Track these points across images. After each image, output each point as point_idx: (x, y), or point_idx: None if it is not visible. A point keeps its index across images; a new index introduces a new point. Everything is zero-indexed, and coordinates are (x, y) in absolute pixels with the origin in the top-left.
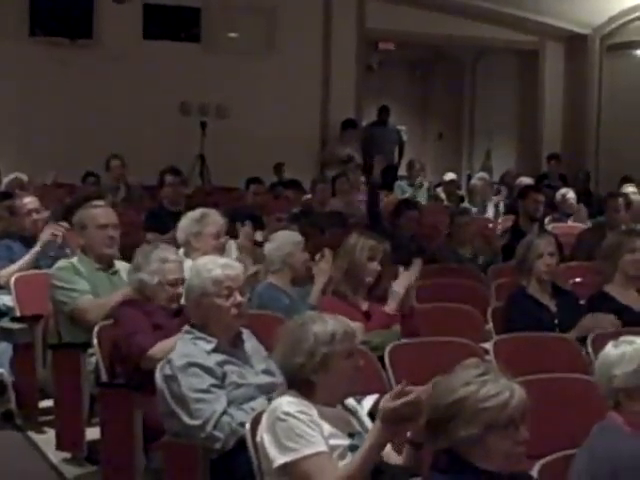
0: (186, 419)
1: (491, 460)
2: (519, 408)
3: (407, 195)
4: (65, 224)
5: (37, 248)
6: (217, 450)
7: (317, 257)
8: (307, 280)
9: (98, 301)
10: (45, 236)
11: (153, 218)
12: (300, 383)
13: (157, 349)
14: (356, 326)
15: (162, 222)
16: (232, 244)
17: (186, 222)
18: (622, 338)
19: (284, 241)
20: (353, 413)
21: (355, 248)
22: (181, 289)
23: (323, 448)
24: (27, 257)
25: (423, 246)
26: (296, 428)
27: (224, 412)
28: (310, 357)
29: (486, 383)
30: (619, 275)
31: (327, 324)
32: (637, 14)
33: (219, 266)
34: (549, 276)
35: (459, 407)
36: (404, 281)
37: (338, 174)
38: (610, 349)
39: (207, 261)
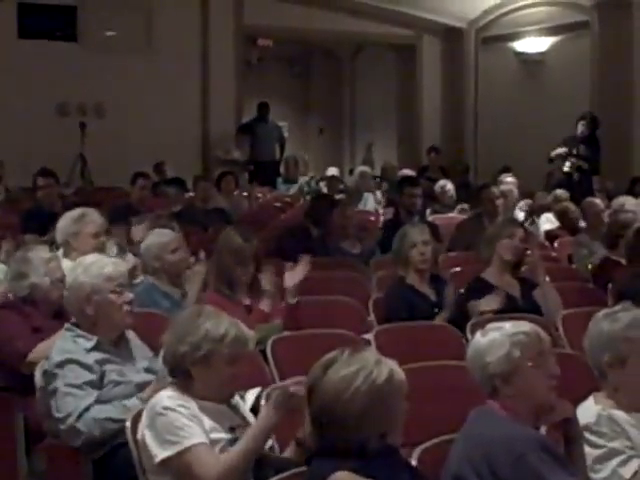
0: (53, 412)
1: None
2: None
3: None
4: None
5: None
6: (84, 445)
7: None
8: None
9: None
10: None
11: (31, 220)
12: (179, 374)
13: (36, 354)
14: (252, 335)
15: (40, 223)
16: (112, 244)
17: (64, 222)
18: (489, 325)
19: (152, 243)
20: (234, 407)
21: (221, 252)
22: (62, 286)
23: (203, 439)
24: None
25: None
26: (176, 421)
27: (89, 407)
28: (194, 349)
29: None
30: (495, 260)
31: (221, 324)
32: (510, 7)
33: (110, 263)
34: (424, 265)
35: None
36: (291, 280)
37: (224, 172)
38: (479, 337)
39: (97, 259)
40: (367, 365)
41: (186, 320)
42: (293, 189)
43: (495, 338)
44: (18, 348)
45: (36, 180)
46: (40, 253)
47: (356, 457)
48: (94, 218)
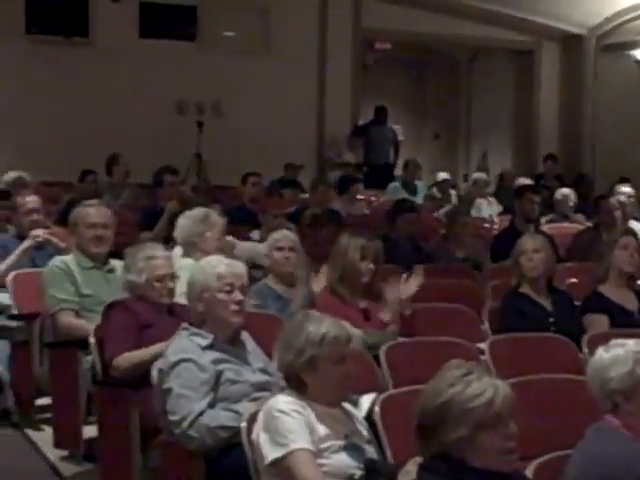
0: (169, 414)
1: (485, 459)
2: (505, 404)
3: (402, 196)
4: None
5: (18, 252)
6: (200, 450)
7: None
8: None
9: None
10: (26, 243)
11: (150, 217)
12: (293, 380)
13: (122, 359)
14: (355, 332)
15: (158, 221)
16: (232, 243)
17: (188, 222)
18: (612, 341)
19: (265, 243)
20: (349, 414)
21: (347, 249)
22: (171, 284)
23: (308, 446)
24: (12, 258)
25: (420, 246)
26: (287, 424)
27: (202, 412)
28: (298, 356)
29: (470, 383)
30: (612, 274)
31: (321, 325)
32: (632, 15)
33: (224, 263)
34: (534, 273)
35: (446, 409)
36: (406, 291)
37: (347, 177)
38: (602, 353)
39: (212, 259)
40: (490, 388)
41: (290, 328)
42: (419, 195)
43: (619, 354)
44: (109, 349)
45: (161, 177)
46: (147, 251)
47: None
48: (217, 219)
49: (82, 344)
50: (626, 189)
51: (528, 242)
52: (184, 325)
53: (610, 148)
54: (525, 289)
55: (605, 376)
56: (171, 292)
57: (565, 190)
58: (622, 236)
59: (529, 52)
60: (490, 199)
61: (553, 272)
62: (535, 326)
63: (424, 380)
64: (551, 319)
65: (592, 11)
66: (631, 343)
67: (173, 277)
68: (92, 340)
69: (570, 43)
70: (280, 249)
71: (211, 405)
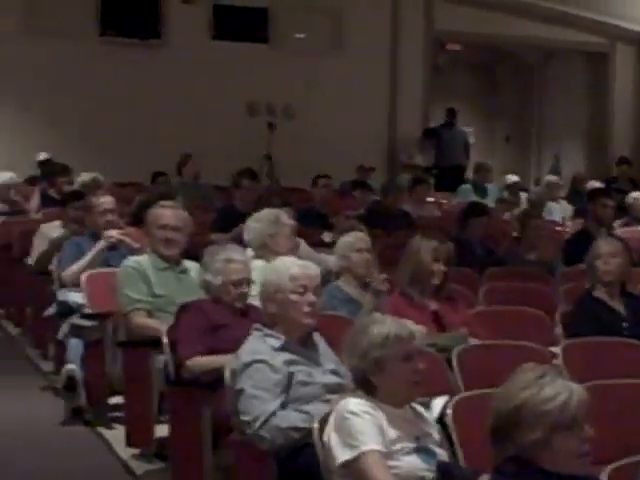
0: (240, 414)
1: (560, 462)
2: (580, 407)
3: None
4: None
5: (92, 252)
6: (272, 450)
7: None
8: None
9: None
10: (100, 244)
11: (224, 218)
12: (362, 383)
13: (195, 363)
14: (417, 329)
15: (233, 223)
16: (303, 244)
17: (260, 224)
18: None
19: (341, 242)
20: (420, 416)
21: (419, 250)
22: (246, 289)
23: (379, 447)
24: (87, 258)
25: (492, 249)
26: (358, 425)
27: (274, 413)
28: (363, 359)
29: (544, 386)
30: None
31: (383, 326)
32: None
33: (297, 265)
34: (610, 277)
35: (520, 412)
36: None
37: (418, 179)
38: None
39: (286, 260)
40: (564, 391)
41: (354, 331)
42: (490, 198)
43: None
44: (181, 350)
45: (240, 179)
46: (226, 253)
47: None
48: (287, 220)
49: (155, 344)
50: None
51: (605, 246)
52: (256, 326)
53: None
54: (599, 293)
55: None
56: (245, 296)
57: (636, 193)
58: None
59: (603, 54)
60: (562, 202)
61: (628, 277)
62: (608, 331)
63: (496, 383)
64: (625, 324)
65: None
66: None
67: (249, 282)
68: (165, 340)
69: None
70: (359, 250)
71: (283, 406)
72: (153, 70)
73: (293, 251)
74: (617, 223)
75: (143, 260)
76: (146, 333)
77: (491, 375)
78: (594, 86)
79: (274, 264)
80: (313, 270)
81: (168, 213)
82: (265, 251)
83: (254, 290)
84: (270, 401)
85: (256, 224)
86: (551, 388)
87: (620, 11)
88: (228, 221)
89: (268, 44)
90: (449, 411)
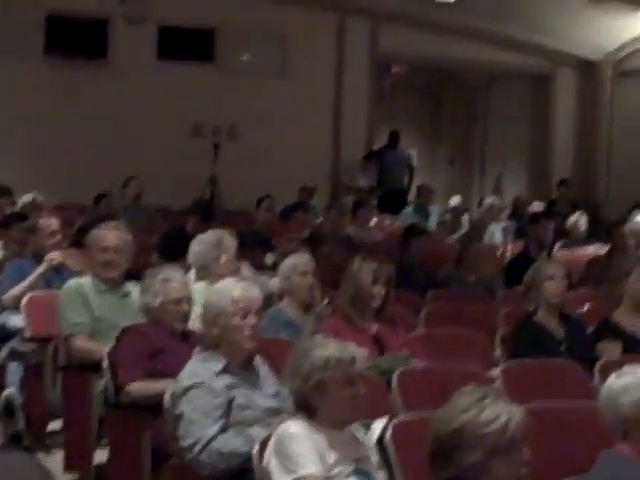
0: (180, 438)
1: None
2: (519, 429)
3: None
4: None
5: (35, 274)
6: (212, 475)
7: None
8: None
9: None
10: (42, 267)
11: (173, 241)
12: (303, 406)
13: (135, 387)
14: (361, 353)
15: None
16: (244, 266)
17: (203, 247)
18: (625, 368)
19: (284, 264)
20: (359, 440)
21: (359, 272)
22: (186, 307)
23: (317, 471)
24: (28, 280)
25: (433, 272)
26: (297, 449)
27: (214, 437)
28: (305, 381)
29: (484, 408)
30: (626, 301)
31: (326, 349)
32: None
33: (239, 287)
34: (558, 299)
35: (460, 435)
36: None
37: (360, 202)
38: (614, 380)
39: (228, 282)
40: (504, 413)
41: (296, 354)
42: (433, 221)
43: (630, 382)
44: (121, 375)
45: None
46: (164, 274)
47: None
48: (231, 243)
49: (95, 367)
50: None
51: (555, 268)
52: (197, 349)
53: (625, 174)
54: (540, 316)
55: (617, 403)
56: (185, 316)
57: (576, 216)
58: (637, 264)
59: (545, 78)
60: (504, 224)
61: (566, 299)
62: (548, 353)
63: (436, 406)
64: (563, 346)
65: (609, 37)
66: None
67: (189, 301)
68: (105, 364)
69: (586, 69)
70: (302, 273)
71: (223, 430)
72: (98, 89)
73: (235, 273)
74: (557, 245)
75: (84, 282)
76: (87, 356)
77: (431, 397)
78: (536, 109)
79: (216, 287)
80: (255, 293)
81: (109, 235)
82: (208, 273)
83: (195, 313)
84: (210, 425)
85: (199, 246)
86: (491, 410)
87: (562, 34)
88: (177, 244)
89: (214, 65)
90: (389, 433)
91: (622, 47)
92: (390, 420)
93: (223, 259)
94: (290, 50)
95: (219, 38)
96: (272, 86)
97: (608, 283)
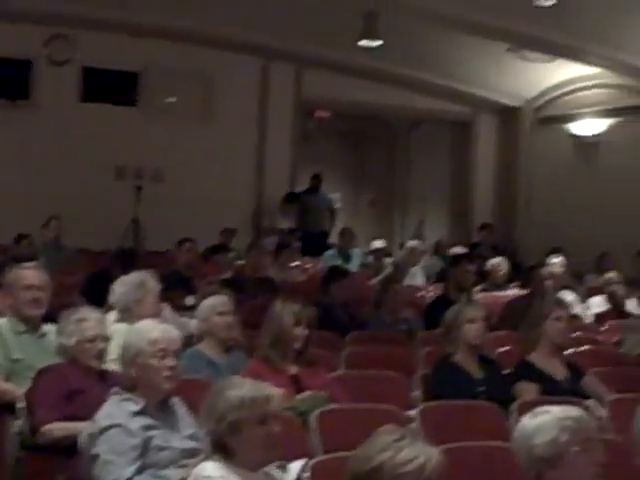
0: (94, 478)
1: None
2: (436, 471)
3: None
4: None
5: None
6: None
7: None
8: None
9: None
10: None
11: (95, 282)
12: (219, 447)
13: (51, 429)
14: (276, 392)
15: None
16: (166, 308)
17: (125, 288)
18: (537, 408)
19: (203, 305)
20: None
21: (281, 314)
22: (102, 345)
23: None
24: None
25: (354, 314)
26: None
27: (130, 479)
28: (219, 422)
29: (402, 448)
30: (543, 343)
31: (240, 389)
32: (567, 89)
33: (157, 328)
34: (478, 341)
35: (377, 474)
36: None
37: (283, 243)
38: (527, 420)
39: (147, 323)
40: (421, 454)
41: (211, 395)
42: (354, 263)
43: (544, 421)
44: (38, 415)
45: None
46: (78, 314)
47: None
48: (154, 285)
49: (11, 408)
50: (557, 259)
51: (475, 311)
52: (115, 390)
53: (544, 219)
54: (458, 357)
55: (530, 443)
56: (101, 354)
57: (497, 260)
58: (554, 307)
59: (467, 123)
60: (425, 267)
61: (485, 341)
62: (465, 394)
63: (355, 446)
64: (481, 388)
65: (528, 84)
66: (556, 410)
67: (104, 339)
68: (21, 405)
69: (506, 115)
70: (222, 314)
71: (139, 471)
72: (22, 131)
73: (158, 315)
74: (477, 288)
75: (2, 323)
76: (2, 397)
77: (350, 438)
78: (457, 153)
79: (135, 327)
80: (174, 334)
81: (30, 273)
82: (129, 315)
83: (114, 354)
84: (126, 466)
85: (122, 288)
86: (409, 451)
87: (482, 81)
88: (100, 286)
89: (138, 107)
90: (306, 474)
91: (541, 94)
92: (308, 461)
93: (146, 301)
94: (214, 93)
95: (143, 81)
96: (196, 129)
97: (526, 325)
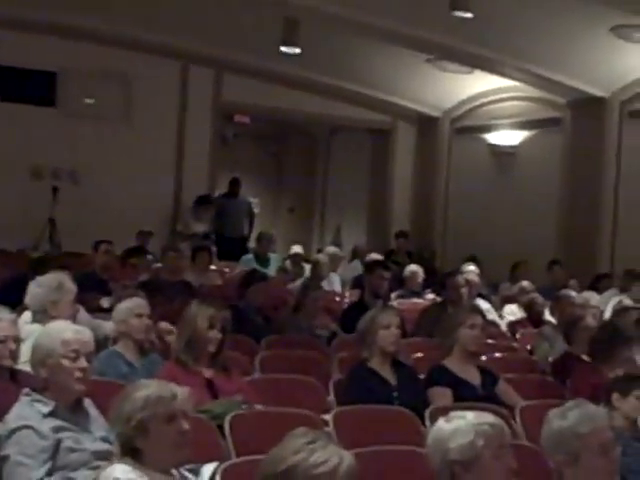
0: None
1: None
2: (349, 474)
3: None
4: None
5: None
6: None
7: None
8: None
9: None
10: None
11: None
12: (128, 449)
13: None
14: (183, 390)
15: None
16: (82, 310)
17: (42, 290)
18: (453, 413)
19: (119, 307)
20: None
21: (196, 317)
22: (13, 346)
23: None
24: None
25: (270, 318)
26: None
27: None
28: (126, 423)
29: (315, 450)
30: (457, 349)
31: (146, 389)
32: (485, 99)
33: (70, 329)
34: (393, 347)
35: (289, 477)
36: None
37: (199, 247)
38: (442, 424)
39: (59, 324)
40: (334, 456)
41: (119, 398)
42: (272, 268)
43: (460, 426)
44: None
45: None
46: None
47: None
48: (71, 287)
49: None
50: (472, 267)
51: (390, 317)
52: (26, 391)
53: (460, 227)
54: (373, 363)
55: (445, 446)
56: (13, 354)
57: (413, 267)
58: (469, 314)
59: (386, 132)
60: (342, 273)
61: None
62: (379, 399)
63: (267, 450)
64: (395, 393)
65: (447, 94)
66: (471, 415)
67: (16, 340)
68: None
69: (425, 124)
70: (139, 316)
71: (49, 473)
72: None
73: (72, 317)
74: (393, 295)
75: None
76: None
77: (263, 442)
78: (376, 161)
79: (46, 328)
80: (86, 335)
81: None
82: (44, 316)
83: (27, 355)
84: (36, 468)
85: (38, 289)
86: (322, 453)
87: (402, 91)
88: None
89: (56, 108)
90: (218, 477)
91: (460, 105)
92: (219, 465)
93: (62, 302)
94: (133, 95)
95: (61, 81)
96: (114, 130)
97: (441, 331)
